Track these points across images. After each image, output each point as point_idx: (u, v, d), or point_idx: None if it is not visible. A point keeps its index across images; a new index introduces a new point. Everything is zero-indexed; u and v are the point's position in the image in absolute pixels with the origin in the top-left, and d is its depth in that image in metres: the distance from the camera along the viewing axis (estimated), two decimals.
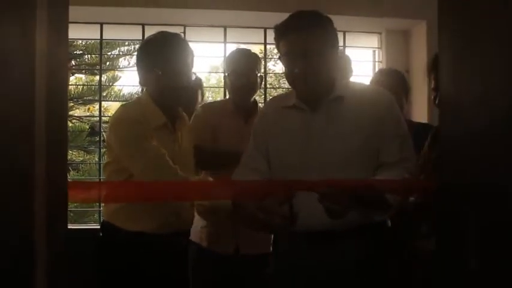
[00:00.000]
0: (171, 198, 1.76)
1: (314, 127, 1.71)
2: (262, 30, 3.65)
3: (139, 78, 2.02)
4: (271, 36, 3.59)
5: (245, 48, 2.60)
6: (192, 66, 2.00)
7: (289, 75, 1.73)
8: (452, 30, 1.12)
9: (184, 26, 3.47)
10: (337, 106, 1.71)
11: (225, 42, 3.65)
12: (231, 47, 3.51)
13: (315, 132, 1.70)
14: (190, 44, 2.06)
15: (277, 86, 8.22)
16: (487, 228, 0.94)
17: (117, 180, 1.92)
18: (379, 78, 2.69)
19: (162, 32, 2.03)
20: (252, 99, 2.41)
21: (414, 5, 3.34)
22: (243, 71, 2.33)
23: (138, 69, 2.01)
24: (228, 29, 3.62)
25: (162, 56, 1.92)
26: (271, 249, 2.34)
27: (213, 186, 1.76)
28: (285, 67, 1.73)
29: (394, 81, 2.55)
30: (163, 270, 1.91)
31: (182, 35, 2.08)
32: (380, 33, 3.82)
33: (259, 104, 2.55)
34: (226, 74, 2.42)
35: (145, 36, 3.48)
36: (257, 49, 3.26)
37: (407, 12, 3.45)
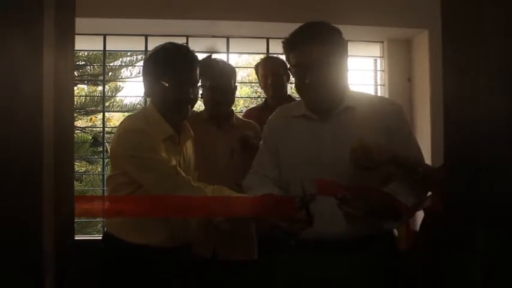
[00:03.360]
0: (190, 214, 1.72)
1: (324, 136, 1.72)
2: (265, 40, 3.67)
3: (145, 88, 1.95)
4: (273, 46, 3.62)
5: (221, 60, 2.50)
6: (199, 79, 1.94)
7: (299, 86, 1.74)
8: (456, 39, 1.12)
9: (187, 37, 3.49)
10: (346, 116, 1.72)
11: (227, 52, 3.67)
12: (234, 57, 3.50)
13: (324, 141, 1.71)
14: None
15: None
16: (495, 239, 0.94)
17: (123, 192, 1.85)
18: None
19: (170, 43, 1.95)
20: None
21: (416, 15, 3.35)
22: (222, 88, 2.31)
23: (144, 80, 1.94)
24: (230, 39, 3.64)
25: (169, 67, 1.85)
26: (255, 256, 2.35)
27: (231, 202, 1.72)
28: (295, 78, 1.74)
29: None
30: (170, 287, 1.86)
31: (190, 47, 2.00)
32: (382, 42, 3.84)
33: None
34: (203, 87, 2.33)
35: (148, 47, 3.50)
36: (258, 59, 3.27)
37: (409, 21, 3.46)
